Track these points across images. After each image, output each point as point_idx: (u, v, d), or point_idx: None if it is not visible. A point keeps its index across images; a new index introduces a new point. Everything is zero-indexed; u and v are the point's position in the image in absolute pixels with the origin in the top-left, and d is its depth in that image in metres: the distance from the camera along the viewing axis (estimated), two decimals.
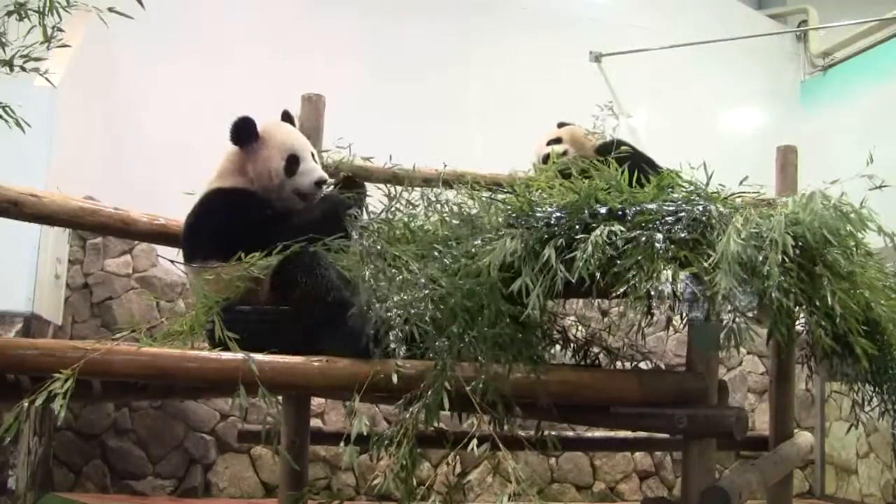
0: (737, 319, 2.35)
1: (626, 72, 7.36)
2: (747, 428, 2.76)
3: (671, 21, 7.53)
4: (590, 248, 2.40)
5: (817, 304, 2.47)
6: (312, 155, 3.09)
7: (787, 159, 3.90)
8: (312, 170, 3.02)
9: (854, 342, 2.48)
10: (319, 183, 3.01)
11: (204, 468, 5.88)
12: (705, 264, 2.37)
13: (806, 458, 5.58)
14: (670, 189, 2.73)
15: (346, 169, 3.50)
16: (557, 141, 3.90)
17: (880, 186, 2.73)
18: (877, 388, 2.83)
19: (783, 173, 3.87)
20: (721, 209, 2.54)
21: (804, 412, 6.97)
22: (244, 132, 3.00)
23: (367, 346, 2.51)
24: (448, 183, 3.38)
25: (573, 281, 2.41)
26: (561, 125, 4.06)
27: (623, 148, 3.50)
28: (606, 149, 3.50)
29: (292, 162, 3.00)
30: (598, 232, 2.44)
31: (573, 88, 6.98)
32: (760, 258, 2.38)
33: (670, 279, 2.34)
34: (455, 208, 2.89)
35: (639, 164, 3.01)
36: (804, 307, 2.50)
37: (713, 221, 2.49)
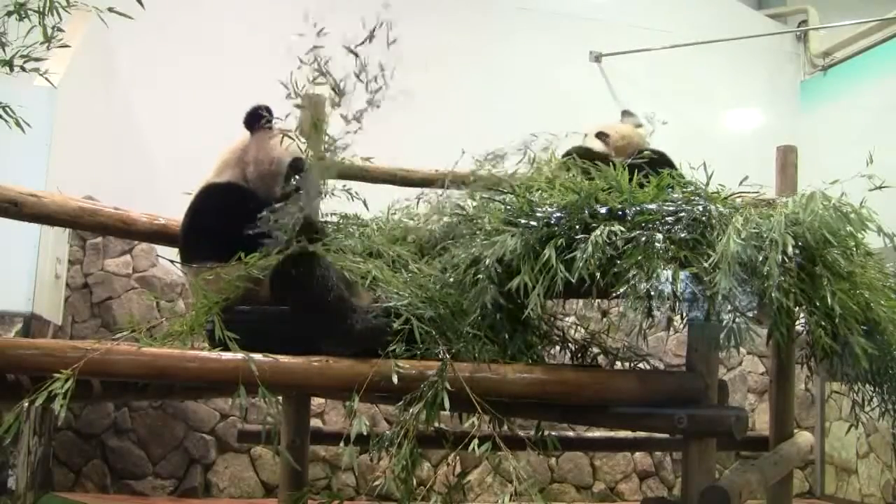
0: (737, 319, 2.35)
1: (626, 72, 7.36)
2: (747, 428, 2.76)
3: (671, 21, 7.53)
4: (590, 249, 2.40)
5: (817, 304, 2.47)
6: None
7: (787, 159, 3.89)
8: None
9: (854, 342, 2.48)
10: None
11: (204, 468, 5.88)
12: (705, 264, 2.37)
13: (806, 458, 5.57)
14: (670, 189, 2.72)
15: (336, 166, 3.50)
16: (604, 136, 3.62)
17: (880, 187, 2.72)
18: (877, 388, 2.83)
19: (783, 173, 3.87)
20: (721, 209, 2.54)
21: (804, 412, 6.98)
22: (260, 117, 3.00)
23: (366, 345, 2.52)
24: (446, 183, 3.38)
25: (573, 281, 2.41)
26: (625, 114, 3.78)
27: (645, 153, 3.37)
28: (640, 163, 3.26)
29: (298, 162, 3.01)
30: (598, 232, 2.44)
31: (573, 88, 6.98)
32: (760, 258, 2.37)
33: (670, 279, 2.34)
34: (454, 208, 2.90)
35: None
36: (804, 307, 2.49)
37: (713, 221, 2.49)
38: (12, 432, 2.32)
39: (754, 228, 2.44)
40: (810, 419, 7.04)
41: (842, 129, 7.06)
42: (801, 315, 2.55)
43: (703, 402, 2.69)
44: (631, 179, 2.72)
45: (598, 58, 7.43)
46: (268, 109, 3.02)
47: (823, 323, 2.46)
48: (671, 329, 5.87)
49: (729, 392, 3.65)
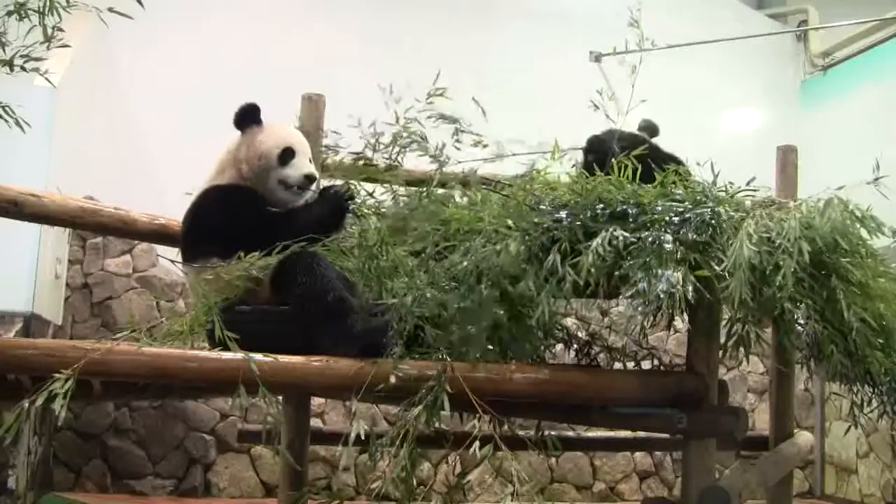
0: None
1: (626, 72, 7.34)
2: (747, 428, 2.75)
3: (671, 21, 7.52)
4: (591, 257, 2.37)
5: (828, 316, 2.44)
6: (310, 160, 3.11)
7: (787, 159, 3.89)
8: (304, 165, 3.03)
9: (870, 356, 2.45)
10: (310, 177, 3.01)
11: (204, 468, 5.88)
12: (717, 268, 2.34)
13: (806, 458, 5.57)
14: (674, 185, 2.70)
15: (344, 170, 3.50)
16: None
17: (874, 180, 2.70)
18: (875, 389, 2.82)
19: (783, 173, 3.87)
20: (730, 211, 2.51)
21: (804, 412, 6.97)
22: (249, 115, 3.03)
23: (366, 345, 2.52)
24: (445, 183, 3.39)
25: (580, 284, 2.39)
26: None
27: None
28: None
29: (287, 153, 3.01)
30: (597, 241, 2.42)
31: (573, 88, 6.96)
32: (772, 266, 2.33)
33: (679, 280, 2.31)
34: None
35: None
36: (816, 320, 2.46)
37: (723, 224, 2.46)
38: (12, 432, 2.32)
39: (765, 233, 2.41)
40: (810, 419, 7.03)
41: (842, 129, 7.05)
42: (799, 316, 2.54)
43: (703, 402, 2.69)
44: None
45: (598, 58, 7.42)
46: (255, 107, 3.04)
47: (836, 339, 2.44)
48: (671, 329, 5.88)
49: (729, 392, 3.65)
